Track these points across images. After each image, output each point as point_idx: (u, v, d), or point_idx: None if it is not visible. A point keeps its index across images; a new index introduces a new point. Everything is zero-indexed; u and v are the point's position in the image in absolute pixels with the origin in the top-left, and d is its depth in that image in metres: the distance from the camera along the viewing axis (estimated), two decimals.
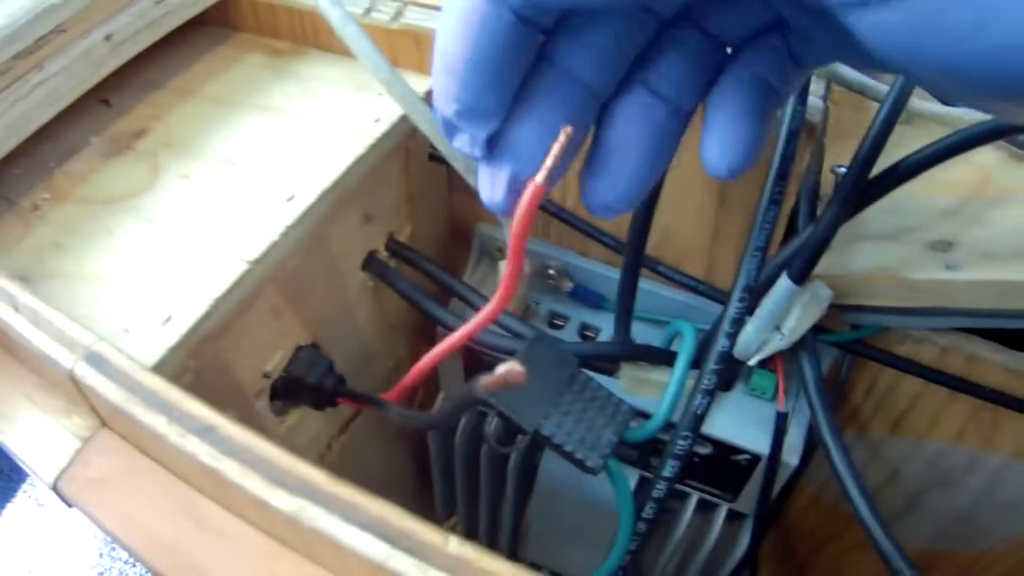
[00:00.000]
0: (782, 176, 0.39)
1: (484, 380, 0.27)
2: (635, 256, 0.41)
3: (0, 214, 0.42)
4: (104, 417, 0.34)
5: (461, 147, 0.25)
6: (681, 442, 0.40)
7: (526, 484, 0.51)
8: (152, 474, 0.32)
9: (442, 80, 0.23)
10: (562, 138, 0.24)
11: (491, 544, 0.57)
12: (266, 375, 0.40)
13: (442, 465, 0.54)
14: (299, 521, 0.26)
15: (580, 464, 0.39)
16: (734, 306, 0.39)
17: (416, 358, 0.55)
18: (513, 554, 0.57)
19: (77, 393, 0.33)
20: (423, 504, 0.63)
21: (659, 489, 0.40)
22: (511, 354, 0.42)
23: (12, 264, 0.39)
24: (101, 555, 0.79)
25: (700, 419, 0.40)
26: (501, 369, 0.25)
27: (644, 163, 0.25)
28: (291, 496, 0.27)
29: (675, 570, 0.53)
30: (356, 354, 0.47)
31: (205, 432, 0.29)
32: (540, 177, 0.25)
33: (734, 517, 0.49)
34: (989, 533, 0.51)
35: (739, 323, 0.39)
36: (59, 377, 0.33)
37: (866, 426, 0.50)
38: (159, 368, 0.34)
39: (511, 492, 0.50)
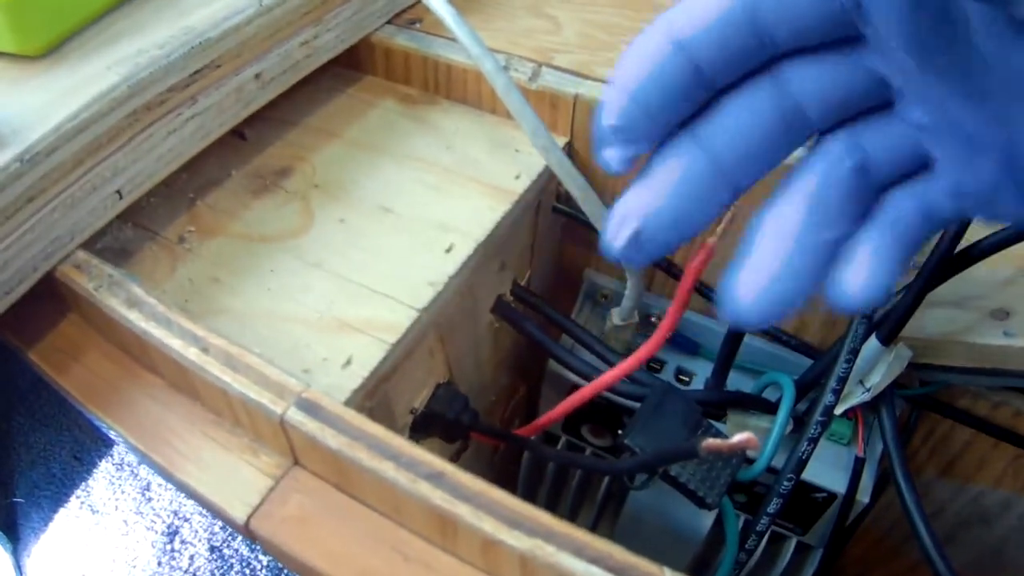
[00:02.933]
0: None
1: (710, 442, 0.29)
2: None
3: (143, 243, 0.43)
4: (298, 456, 0.35)
5: (607, 159, 0.25)
6: (786, 483, 0.43)
7: (604, 510, 0.54)
8: (353, 510, 0.34)
9: (613, 92, 0.24)
10: (727, 217, 0.29)
11: None
12: (412, 411, 0.42)
13: (527, 488, 0.57)
14: (534, 558, 0.29)
15: (700, 500, 0.42)
16: (841, 366, 0.43)
17: (514, 392, 0.58)
18: None
19: (271, 433, 0.34)
20: None
21: (763, 523, 0.44)
22: (635, 398, 0.45)
23: (167, 297, 0.39)
24: (160, 564, 0.78)
25: (804, 463, 0.43)
26: (739, 438, 0.28)
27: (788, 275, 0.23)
28: (528, 536, 0.29)
29: None
30: (475, 389, 0.49)
31: (436, 478, 0.31)
32: (712, 240, 0.31)
33: (801, 549, 0.53)
34: (1015, 566, 0.56)
35: (844, 381, 0.43)
36: (257, 419, 0.34)
37: (921, 469, 0.54)
38: None
39: (592, 517, 0.53)
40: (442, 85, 0.49)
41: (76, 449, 0.87)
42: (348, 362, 0.37)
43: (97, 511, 0.84)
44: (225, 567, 0.78)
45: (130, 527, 0.83)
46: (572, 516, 0.57)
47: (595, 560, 0.28)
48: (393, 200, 0.44)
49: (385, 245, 0.41)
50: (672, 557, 0.54)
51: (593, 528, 0.55)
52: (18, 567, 0.82)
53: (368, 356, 0.37)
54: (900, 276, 0.24)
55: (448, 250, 0.41)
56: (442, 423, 0.43)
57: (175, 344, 0.35)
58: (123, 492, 0.85)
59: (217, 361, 0.34)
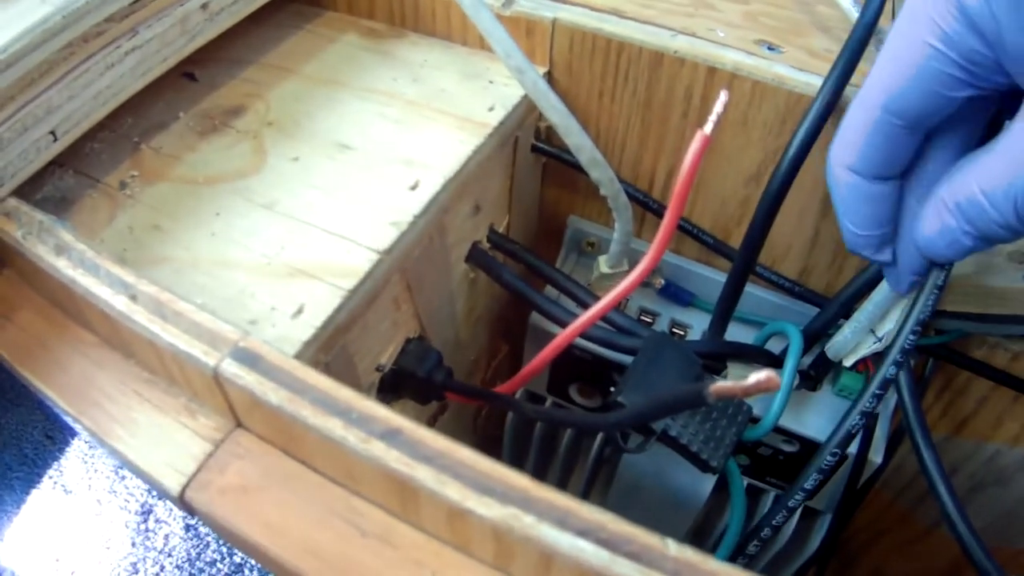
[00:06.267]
0: None
1: (720, 385, 0.23)
2: (748, 259, 0.38)
3: (82, 191, 0.37)
4: (240, 416, 0.29)
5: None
6: (830, 457, 0.36)
7: (596, 476, 0.48)
8: (301, 478, 0.28)
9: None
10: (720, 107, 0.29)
11: None
12: (378, 368, 0.36)
13: (513, 455, 0.50)
14: (510, 530, 0.22)
15: (703, 463, 0.36)
16: (907, 338, 0.35)
17: (495, 352, 0.52)
18: None
19: (207, 390, 0.28)
20: None
21: (796, 499, 0.37)
22: (628, 351, 0.38)
23: (105, 247, 0.34)
24: (134, 544, 0.72)
25: (852, 438, 0.36)
26: (756, 377, 0.21)
27: None
28: (501, 504, 0.23)
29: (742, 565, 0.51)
30: (450, 345, 0.43)
31: (391, 436, 0.25)
32: (708, 129, 0.29)
33: (807, 514, 0.47)
34: None
35: (908, 353, 0.36)
36: (191, 374, 0.28)
37: (934, 426, 0.48)
38: None
39: (584, 482, 0.47)
40: (409, 17, 0.43)
41: (48, 428, 0.80)
42: (299, 311, 0.31)
43: (70, 491, 0.77)
44: (201, 546, 0.71)
45: (103, 507, 0.76)
46: (561, 484, 0.51)
47: (584, 531, 0.22)
48: (352, 136, 0.37)
49: (343, 184, 0.35)
50: (669, 526, 0.48)
51: (584, 497, 0.48)
52: None
53: (322, 304, 0.31)
54: None
55: (413, 187, 0.35)
56: (413, 382, 0.37)
57: (103, 292, 0.29)
58: (96, 471, 0.79)
59: (145, 310, 0.28)
